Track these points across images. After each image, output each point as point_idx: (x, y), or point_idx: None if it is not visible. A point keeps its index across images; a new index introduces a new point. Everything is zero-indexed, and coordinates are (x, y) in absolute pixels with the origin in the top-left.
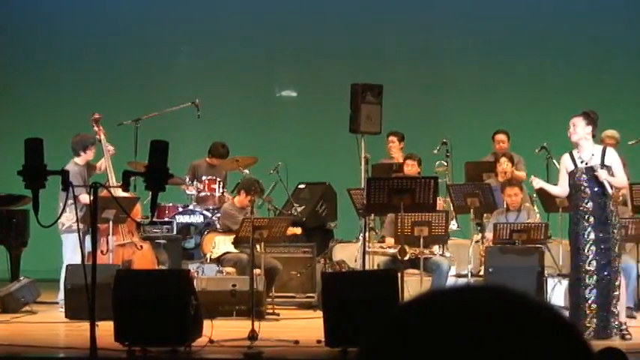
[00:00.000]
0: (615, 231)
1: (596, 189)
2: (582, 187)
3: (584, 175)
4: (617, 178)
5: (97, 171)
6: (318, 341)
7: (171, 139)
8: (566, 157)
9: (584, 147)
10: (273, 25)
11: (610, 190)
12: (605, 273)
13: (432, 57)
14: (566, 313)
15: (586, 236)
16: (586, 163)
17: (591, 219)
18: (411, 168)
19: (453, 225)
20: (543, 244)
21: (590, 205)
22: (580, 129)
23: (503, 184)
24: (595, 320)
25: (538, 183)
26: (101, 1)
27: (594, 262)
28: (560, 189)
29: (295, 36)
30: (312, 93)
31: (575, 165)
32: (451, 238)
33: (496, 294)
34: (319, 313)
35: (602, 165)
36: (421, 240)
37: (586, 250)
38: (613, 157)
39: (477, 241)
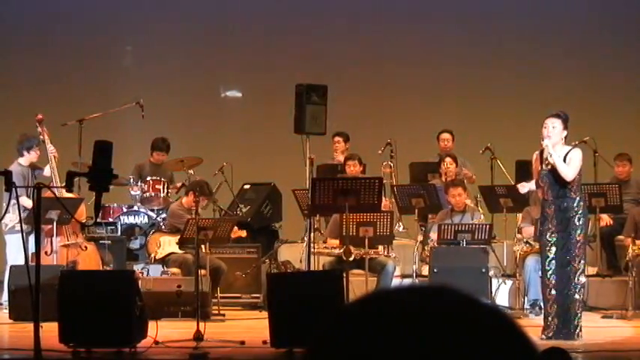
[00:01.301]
0: (577, 232)
1: (557, 190)
2: (545, 189)
3: (545, 178)
4: (566, 166)
5: (43, 174)
6: (264, 342)
7: (116, 139)
8: (536, 155)
9: (555, 149)
10: (218, 25)
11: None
12: (565, 274)
13: (376, 58)
14: (510, 313)
15: (548, 237)
16: (549, 165)
17: (554, 220)
18: (352, 168)
19: (399, 227)
20: (487, 244)
21: (552, 207)
22: (557, 132)
23: (447, 184)
24: (556, 320)
25: (525, 187)
26: (44, 0)
27: (554, 263)
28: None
29: (240, 36)
30: (257, 93)
31: (542, 165)
32: (396, 238)
33: (440, 294)
34: (265, 314)
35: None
36: (366, 240)
37: (547, 251)
38: (572, 155)
39: (422, 242)
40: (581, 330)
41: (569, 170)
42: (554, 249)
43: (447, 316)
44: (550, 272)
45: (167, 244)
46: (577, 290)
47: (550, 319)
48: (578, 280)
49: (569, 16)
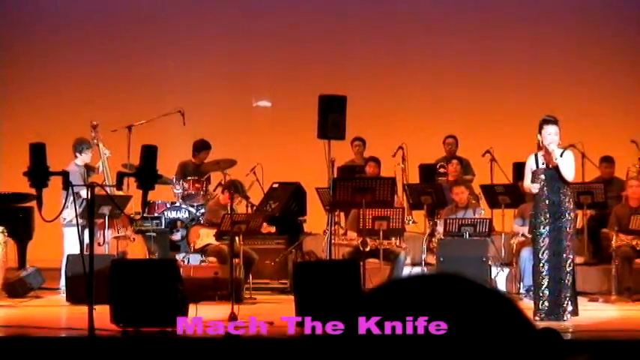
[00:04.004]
0: (568, 225)
1: (552, 187)
2: (542, 185)
3: (542, 176)
4: (569, 169)
5: (96, 172)
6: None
7: (160, 143)
8: (531, 157)
9: (554, 151)
10: (251, 42)
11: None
12: (557, 262)
13: (391, 72)
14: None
15: (541, 229)
16: (544, 164)
17: (547, 214)
18: (373, 169)
19: (409, 220)
20: (488, 236)
21: (547, 201)
22: (558, 137)
23: (451, 183)
24: (546, 304)
25: (535, 187)
26: (100, 17)
27: (547, 252)
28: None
29: (270, 52)
30: (284, 103)
31: (537, 165)
32: (407, 231)
33: (451, 280)
34: (291, 297)
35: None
36: (381, 233)
37: (541, 242)
38: (566, 156)
39: (430, 234)
40: (570, 312)
41: (570, 172)
42: (547, 240)
43: (457, 299)
44: (543, 261)
45: (205, 236)
46: (567, 277)
47: (541, 302)
48: (568, 268)
49: (567, 15)
